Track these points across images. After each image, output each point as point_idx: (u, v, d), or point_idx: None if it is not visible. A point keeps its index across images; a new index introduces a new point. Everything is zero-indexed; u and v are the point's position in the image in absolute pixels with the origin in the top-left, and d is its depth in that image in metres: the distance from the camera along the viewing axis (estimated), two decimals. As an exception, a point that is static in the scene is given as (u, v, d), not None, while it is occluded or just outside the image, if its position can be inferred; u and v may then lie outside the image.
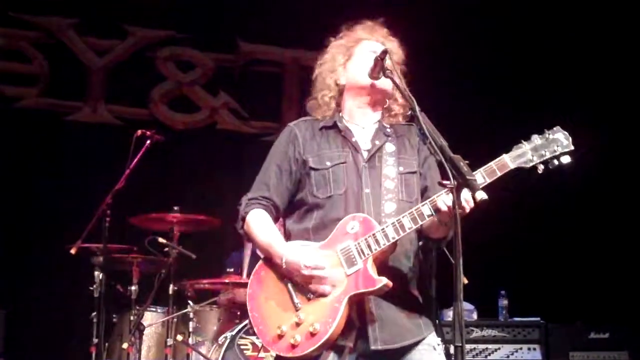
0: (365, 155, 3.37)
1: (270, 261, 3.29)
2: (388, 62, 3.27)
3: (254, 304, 3.29)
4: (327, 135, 3.44)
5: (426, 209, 3.08)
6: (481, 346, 6.65)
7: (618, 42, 8.20)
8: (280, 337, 3.17)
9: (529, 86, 8.37)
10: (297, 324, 3.15)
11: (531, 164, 3.09)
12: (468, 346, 6.60)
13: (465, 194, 2.92)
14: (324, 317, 3.11)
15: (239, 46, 8.84)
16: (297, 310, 3.17)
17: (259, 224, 3.35)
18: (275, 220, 3.40)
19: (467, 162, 2.85)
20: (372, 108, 3.47)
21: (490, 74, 8.30)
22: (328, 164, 3.34)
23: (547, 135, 3.11)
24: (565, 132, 3.12)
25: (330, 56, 3.53)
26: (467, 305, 6.90)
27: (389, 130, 3.45)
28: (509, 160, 3.08)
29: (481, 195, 2.78)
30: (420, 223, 3.10)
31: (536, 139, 3.11)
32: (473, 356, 6.60)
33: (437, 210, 3.05)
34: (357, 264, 3.14)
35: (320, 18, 3.69)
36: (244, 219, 3.38)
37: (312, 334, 3.11)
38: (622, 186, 8.08)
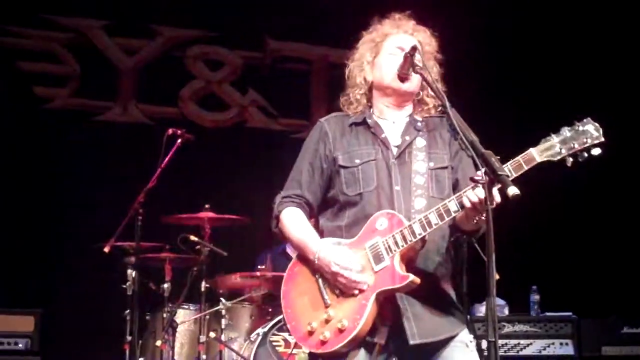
0: (395, 151, 3.36)
1: (303, 258, 3.32)
2: (418, 57, 3.26)
3: (287, 300, 3.33)
4: (356, 132, 3.44)
5: (452, 204, 3.06)
6: (513, 341, 6.63)
7: (627, 40, 8.14)
8: (310, 333, 3.20)
9: (543, 86, 8.34)
10: (327, 321, 3.17)
11: (559, 157, 3.00)
12: (500, 341, 6.57)
13: (477, 190, 2.92)
14: (352, 313, 3.13)
15: (267, 44, 8.87)
16: (326, 307, 3.19)
17: (293, 221, 3.37)
18: (310, 217, 3.41)
19: (498, 157, 2.84)
20: (399, 107, 3.46)
21: (502, 73, 8.30)
22: (357, 161, 3.34)
23: (576, 127, 3.01)
24: (596, 124, 3.02)
25: (359, 52, 3.52)
26: (498, 301, 6.88)
27: (420, 124, 3.43)
28: (536, 154, 3.00)
29: (513, 191, 2.76)
30: (447, 219, 3.09)
31: (565, 131, 3.01)
32: (505, 351, 6.59)
33: (462, 206, 3.04)
34: (384, 260, 3.14)
35: (348, 15, 3.69)
36: (277, 218, 3.41)
37: (341, 331, 3.12)
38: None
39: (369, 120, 3.44)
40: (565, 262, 8.03)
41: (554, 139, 3.02)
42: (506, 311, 6.91)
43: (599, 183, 7.72)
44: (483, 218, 2.99)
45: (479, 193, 2.94)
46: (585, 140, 3.00)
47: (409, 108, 3.48)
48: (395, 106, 3.46)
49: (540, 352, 6.62)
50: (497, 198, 2.92)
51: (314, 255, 3.23)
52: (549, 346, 6.64)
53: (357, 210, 3.29)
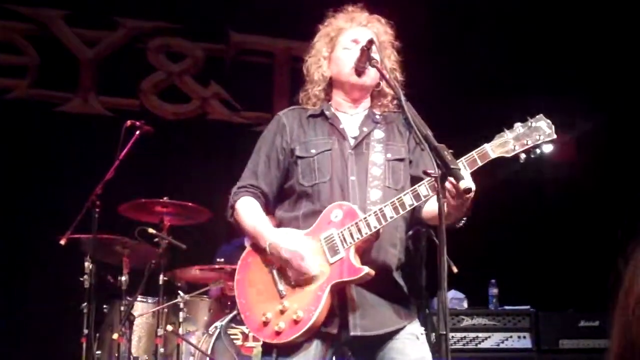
0: (352, 142, 3.38)
1: (257, 248, 3.33)
2: (374, 50, 3.28)
3: (241, 290, 3.35)
4: (314, 124, 3.46)
5: (408, 198, 3.10)
6: (471, 334, 6.67)
7: (615, 26, 8.20)
8: (265, 324, 3.22)
9: (521, 70, 8.38)
10: (282, 312, 3.20)
11: (513, 153, 3.06)
12: (459, 334, 6.63)
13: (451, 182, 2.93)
14: (307, 305, 3.16)
15: (230, 36, 8.83)
16: (281, 298, 3.21)
17: (247, 210, 3.38)
18: (265, 208, 3.43)
19: (451, 151, 2.86)
20: (358, 101, 3.49)
21: (484, 58, 8.32)
22: (313, 151, 3.37)
23: (529, 124, 3.08)
24: (548, 121, 3.09)
25: (315, 48, 3.55)
26: (457, 294, 6.93)
27: (378, 117, 3.47)
28: (489, 150, 3.06)
29: (465, 184, 2.79)
30: (402, 212, 3.12)
31: (518, 128, 3.08)
32: (463, 344, 6.63)
33: (418, 199, 3.07)
34: (339, 252, 3.17)
35: (312, 8, 3.67)
36: (233, 207, 3.43)
37: (296, 322, 3.16)
38: (614, 173, 8.09)
39: (327, 112, 3.47)
40: (523, 256, 8.10)
41: (508, 135, 3.08)
42: (465, 304, 6.95)
43: (557, 176, 7.79)
44: (458, 206, 3.02)
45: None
46: (538, 136, 3.06)
47: (367, 102, 3.51)
48: (353, 100, 3.48)
49: (498, 345, 6.67)
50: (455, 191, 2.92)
51: (266, 242, 3.25)
52: (507, 339, 6.69)
53: (313, 200, 3.32)
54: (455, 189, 2.87)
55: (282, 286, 3.22)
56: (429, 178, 3.01)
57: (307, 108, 3.52)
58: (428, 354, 3.33)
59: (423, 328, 3.41)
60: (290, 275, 3.21)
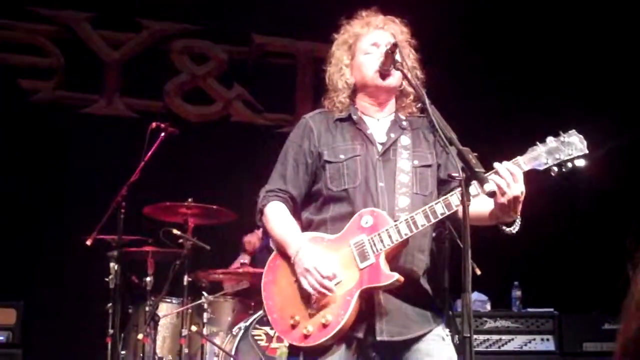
0: (380, 148, 3.38)
1: (284, 253, 3.33)
2: (398, 53, 3.29)
3: (269, 292, 3.35)
4: (341, 128, 3.46)
5: (439, 207, 3.11)
6: (495, 337, 6.66)
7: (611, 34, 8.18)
8: (293, 327, 3.23)
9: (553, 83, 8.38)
10: (310, 315, 3.20)
11: (545, 167, 3.09)
12: (482, 337, 6.62)
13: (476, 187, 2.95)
14: (336, 309, 3.16)
15: (253, 38, 8.87)
16: (310, 302, 3.22)
17: (276, 216, 3.38)
18: (293, 212, 3.43)
19: (475, 154, 2.87)
20: (383, 104, 3.49)
21: (502, 69, 8.31)
22: (342, 157, 3.37)
23: (562, 139, 3.10)
24: (580, 136, 3.11)
25: (335, 57, 3.53)
26: (480, 296, 6.92)
27: (404, 122, 3.46)
28: (522, 163, 3.07)
29: (490, 187, 2.80)
30: (433, 221, 3.13)
31: (551, 142, 3.09)
32: (486, 347, 6.62)
33: (449, 207, 3.09)
34: (369, 258, 3.17)
35: (333, 10, 3.68)
36: (262, 212, 3.43)
37: (324, 326, 3.16)
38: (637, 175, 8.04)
39: (354, 117, 3.46)
40: (547, 258, 8.07)
41: (540, 149, 3.10)
42: (488, 307, 6.95)
43: (579, 178, 7.75)
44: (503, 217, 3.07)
45: (495, 182, 2.94)
46: (570, 152, 3.09)
47: (392, 105, 3.51)
48: (379, 103, 3.48)
49: (521, 347, 6.66)
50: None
51: (293, 254, 3.25)
52: (530, 342, 6.68)
53: (341, 205, 3.32)
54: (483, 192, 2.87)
55: (311, 291, 3.22)
56: (460, 187, 3.01)
57: (332, 112, 3.51)
58: (454, 354, 3.33)
59: (447, 329, 3.41)
60: (304, 285, 3.22)
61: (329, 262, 3.21)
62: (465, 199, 2.78)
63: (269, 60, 8.91)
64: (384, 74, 3.36)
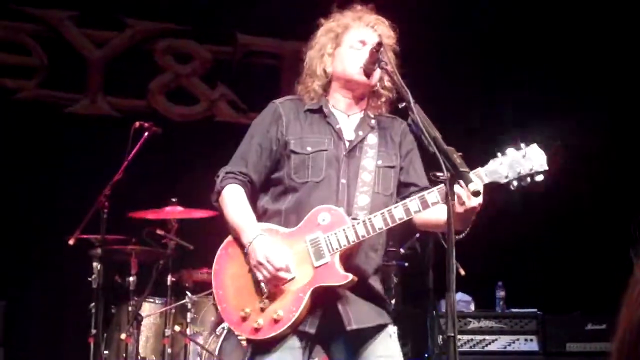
0: (347, 145, 3.40)
1: (238, 241, 3.33)
2: (383, 53, 3.29)
3: (219, 281, 3.35)
4: (311, 119, 3.46)
5: (398, 211, 3.14)
6: (478, 337, 6.68)
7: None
8: (244, 319, 3.24)
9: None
10: (262, 309, 3.22)
11: (505, 181, 3.10)
12: (465, 337, 6.63)
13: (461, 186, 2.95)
14: (288, 305, 3.19)
15: (237, 38, 8.83)
16: (261, 295, 3.22)
17: (234, 201, 3.37)
18: (250, 196, 3.41)
19: (460, 154, 2.87)
20: (358, 99, 3.50)
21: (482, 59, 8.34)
22: (309, 149, 3.37)
23: (523, 152, 3.10)
24: (541, 151, 3.11)
25: (319, 43, 3.54)
26: (464, 297, 6.94)
27: (373, 121, 3.48)
28: (483, 175, 3.09)
29: (475, 186, 2.81)
30: (391, 225, 3.15)
31: (512, 154, 3.10)
32: (470, 347, 6.63)
33: (408, 213, 3.12)
34: (325, 257, 3.20)
35: (319, 10, 3.68)
36: (219, 192, 3.42)
37: (276, 321, 3.19)
38: (621, 175, 8.07)
39: (325, 109, 3.47)
40: (530, 258, 8.09)
41: (502, 162, 3.11)
42: (472, 307, 6.97)
43: (563, 180, 7.76)
44: (465, 214, 3.07)
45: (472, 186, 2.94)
46: (531, 166, 3.10)
47: (363, 103, 3.52)
48: (355, 97, 3.49)
49: (505, 347, 6.68)
50: (467, 195, 2.96)
51: (248, 241, 3.24)
52: (514, 342, 6.69)
53: (300, 197, 3.32)
54: (465, 193, 2.89)
55: (263, 283, 3.23)
56: (440, 186, 3.02)
57: (304, 100, 3.51)
58: (399, 352, 3.37)
59: (396, 327, 3.44)
60: (258, 277, 3.22)
61: (283, 254, 3.21)
62: (450, 198, 2.78)
63: (254, 60, 8.88)
64: (367, 72, 3.36)
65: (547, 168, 3.08)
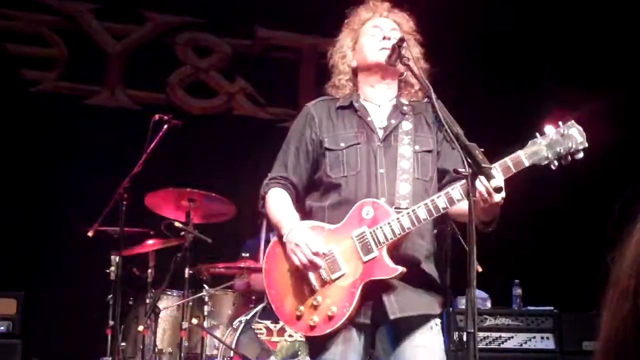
0: (381, 134, 3.40)
1: (281, 237, 3.37)
2: (405, 48, 3.30)
3: (271, 281, 3.40)
4: (342, 115, 3.49)
5: (441, 201, 3.13)
6: (494, 334, 6.65)
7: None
8: (299, 317, 3.29)
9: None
10: (315, 307, 3.26)
11: (546, 162, 3.06)
12: (482, 334, 6.61)
13: (482, 183, 2.95)
14: (341, 301, 3.21)
15: (257, 32, 8.86)
16: (313, 292, 3.26)
17: (275, 201, 3.44)
18: (295, 199, 3.47)
19: (482, 150, 2.87)
20: (385, 85, 3.51)
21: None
22: (342, 145, 3.40)
23: (562, 131, 3.07)
24: (580, 128, 3.08)
25: (340, 42, 3.59)
26: (481, 294, 6.92)
27: (405, 108, 3.48)
28: (524, 158, 3.06)
29: (496, 183, 2.80)
30: (435, 215, 3.15)
31: (551, 134, 3.07)
32: (486, 344, 6.60)
33: (452, 202, 3.10)
34: (373, 251, 3.21)
35: (338, 4, 3.70)
36: (263, 198, 3.49)
37: (330, 317, 3.22)
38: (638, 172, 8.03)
39: (355, 104, 3.49)
40: (547, 256, 8.06)
41: (541, 143, 3.07)
42: (488, 304, 6.94)
43: (581, 176, 7.73)
44: (487, 209, 3.07)
45: (494, 182, 2.94)
46: (570, 145, 3.06)
47: (394, 89, 3.53)
48: (382, 83, 3.50)
49: (521, 345, 6.65)
50: (490, 190, 2.95)
51: (286, 232, 3.30)
52: (530, 340, 6.66)
53: (340, 193, 3.35)
54: (486, 189, 2.88)
55: (314, 281, 3.27)
56: (462, 181, 3.01)
57: (335, 99, 3.55)
58: (442, 344, 3.37)
59: (439, 320, 3.42)
60: (294, 262, 3.25)
61: (318, 240, 3.24)
62: (471, 194, 2.78)
63: (273, 54, 8.90)
64: (390, 66, 3.37)
65: (586, 145, 3.05)
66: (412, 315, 3.26)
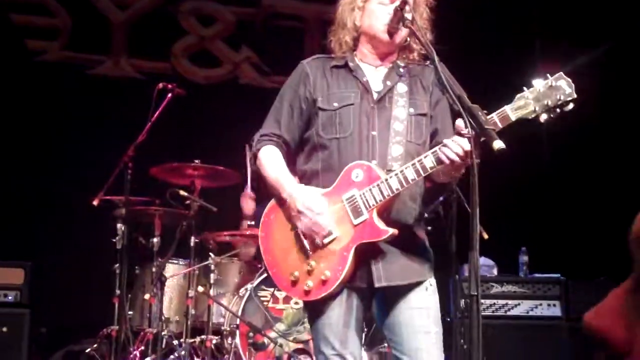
0: (376, 96, 3.37)
1: (280, 204, 3.34)
2: (408, 10, 3.25)
3: (267, 247, 3.38)
4: (337, 75, 3.44)
5: (429, 160, 3.10)
6: (501, 302, 6.66)
7: None
8: (294, 283, 3.28)
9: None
10: (309, 272, 3.24)
11: (534, 115, 3.00)
12: (488, 301, 6.62)
13: (460, 140, 2.97)
14: (334, 265, 3.20)
15: (261, 0, 8.80)
16: (307, 257, 3.25)
17: (270, 160, 3.38)
18: (287, 156, 3.43)
19: (485, 111, 2.84)
20: (385, 55, 3.46)
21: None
22: (335, 104, 3.36)
23: (549, 83, 2.99)
24: (569, 79, 3.00)
25: None
26: (487, 261, 6.92)
27: (402, 70, 3.44)
28: (510, 112, 3.00)
29: (499, 144, 2.77)
30: (423, 175, 3.13)
31: (539, 87, 2.99)
32: (493, 311, 6.63)
33: (440, 162, 3.07)
34: (363, 214, 3.19)
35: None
36: (255, 156, 3.43)
37: (324, 282, 3.21)
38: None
39: (350, 64, 3.44)
40: (554, 223, 8.05)
41: (528, 96, 3.01)
42: (495, 272, 6.96)
43: (588, 143, 7.71)
44: (455, 174, 3.12)
45: (462, 143, 2.96)
46: (558, 96, 2.99)
47: (392, 56, 3.48)
48: (382, 54, 3.46)
49: (528, 312, 6.66)
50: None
51: (288, 194, 3.27)
52: (536, 307, 6.67)
53: (331, 154, 3.32)
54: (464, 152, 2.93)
55: (307, 245, 3.25)
56: (446, 141, 3.02)
57: (331, 57, 3.50)
58: (436, 303, 3.35)
59: (434, 279, 3.39)
60: (300, 226, 3.24)
61: (321, 202, 3.23)
62: (474, 156, 2.76)
63: (277, 23, 8.86)
64: (391, 31, 3.33)
65: (575, 96, 2.99)
66: (399, 284, 3.26)
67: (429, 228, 5.70)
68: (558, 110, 3.00)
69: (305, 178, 3.39)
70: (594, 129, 7.72)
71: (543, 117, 3.01)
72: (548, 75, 3.01)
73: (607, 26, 7.98)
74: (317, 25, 8.79)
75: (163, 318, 6.13)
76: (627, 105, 7.85)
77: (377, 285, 3.22)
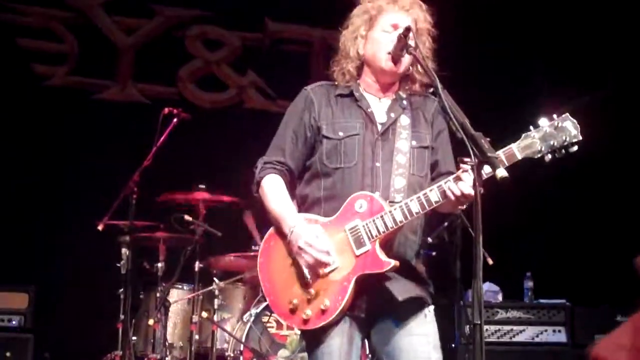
0: (380, 127, 3.37)
1: (279, 232, 3.33)
2: (411, 37, 3.26)
3: (265, 274, 3.37)
4: (342, 103, 3.44)
5: (434, 195, 3.12)
6: (506, 327, 6.64)
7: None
8: (292, 311, 3.26)
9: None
10: (308, 300, 3.23)
11: (539, 155, 3.05)
12: (493, 327, 6.60)
13: (461, 184, 3.02)
14: (334, 294, 3.19)
15: (267, 25, 8.84)
16: (307, 286, 3.24)
17: (273, 191, 3.37)
18: (289, 184, 3.42)
19: (488, 139, 2.85)
20: (388, 86, 3.47)
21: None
22: (341, 134, 3.35)
23: (556, 124, 3.05)
24: (574, 121, 3.05)
25: (354, 24, 3.49)
26: (492, 287, 6.90)
27: (404, 102, 3.45)
28: (517, 151, 3.05)
29: (502, 173, 2.78)
30: (428, 209, 3.14)
31: (545, 127, 3.05)
32: (498, 337, 6.60)
33: (444, 196, 3.09)
34: (365, 245, 3.19)
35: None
36: (258, 183, 3.41)
37: (323, 311, 3.20)
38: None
39: (356, 93, 3.44)
40: (559, 249, 8.03)
41: (534, 136, 3.06)
42: (500, 297, 6.93)
43: (593, 170, 7.69)
44: (460, 207, 3.16)
45: (463, 187, 3.03)
46: (564, 138, 3.04)
47: (395, 86, 3.49)
48: (382, 84, 3.46)
49: (533, 338, 6.64)
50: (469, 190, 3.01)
51: (290, 229, 3.25)
52: (542, 333, 6.65)
53: (334, 183, 3.32)
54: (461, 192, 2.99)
55: (307, 273, 3.23)
56: (452, 176, 3.07)
57: (335, 85, 3.49)
58: (433, 331, 3.35)
59: (432, 306, 3.40)
60: (302, 263, 3.23)
61: (324, 240, 3.21)
62: (477, 184, 2.76)
63: (283, 47, 8.88)
64: (395, 58, 3.33)
65: (580, 138, 3.02)
66: (412, 296, 3.26)
67: (434, 253, 5.74)
68: (563, 151, 3.05)
69: (306, 204, 3.38)
70: (600, 155, 7.71)
71: (548, 157, 3.06)
72: (554, 115, 3.04)
73: (610, 64, 8.01)
74: (322, 49, 8.81)
75: (167, 344, 6.13)
76: (634, 133, 7.85)
77: (400, 299, 3.22)
